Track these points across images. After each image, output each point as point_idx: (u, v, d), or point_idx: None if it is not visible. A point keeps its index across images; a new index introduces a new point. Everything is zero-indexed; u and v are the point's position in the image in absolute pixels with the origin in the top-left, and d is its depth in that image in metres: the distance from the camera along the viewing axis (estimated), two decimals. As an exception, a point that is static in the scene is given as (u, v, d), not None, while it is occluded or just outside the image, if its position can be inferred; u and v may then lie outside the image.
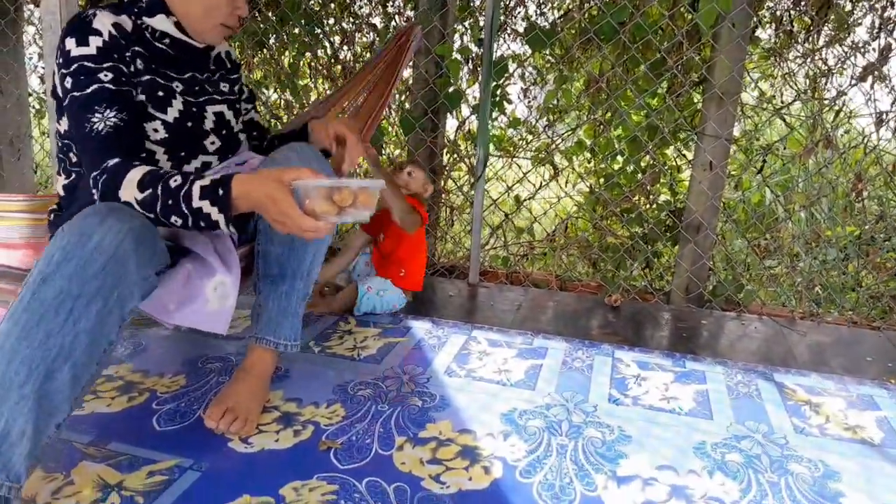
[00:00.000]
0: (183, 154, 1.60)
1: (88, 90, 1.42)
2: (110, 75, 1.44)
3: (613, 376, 2.04)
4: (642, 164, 3.18)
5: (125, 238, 1.27)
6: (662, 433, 1.74)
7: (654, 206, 3.29)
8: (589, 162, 3.50)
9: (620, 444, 1.68)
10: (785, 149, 3.10)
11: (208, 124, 1.65)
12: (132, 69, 1.49)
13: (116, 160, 1.39)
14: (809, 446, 1.71)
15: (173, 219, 1.35)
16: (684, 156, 3.20)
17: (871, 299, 3.04)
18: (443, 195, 3.41)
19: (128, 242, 1.27)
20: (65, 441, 1.57)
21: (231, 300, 1.57)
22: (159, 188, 1.34)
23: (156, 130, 1.54)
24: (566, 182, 3.44)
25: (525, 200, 3.37)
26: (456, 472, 1.52)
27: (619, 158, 3.25)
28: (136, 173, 1.37)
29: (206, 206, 1.33)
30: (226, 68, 1.76)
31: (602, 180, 3.30)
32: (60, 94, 1.47)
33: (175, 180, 1.34)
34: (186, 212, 1.34)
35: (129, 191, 1.35)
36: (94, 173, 1.40)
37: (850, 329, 2.61)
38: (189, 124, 1.60)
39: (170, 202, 1.33)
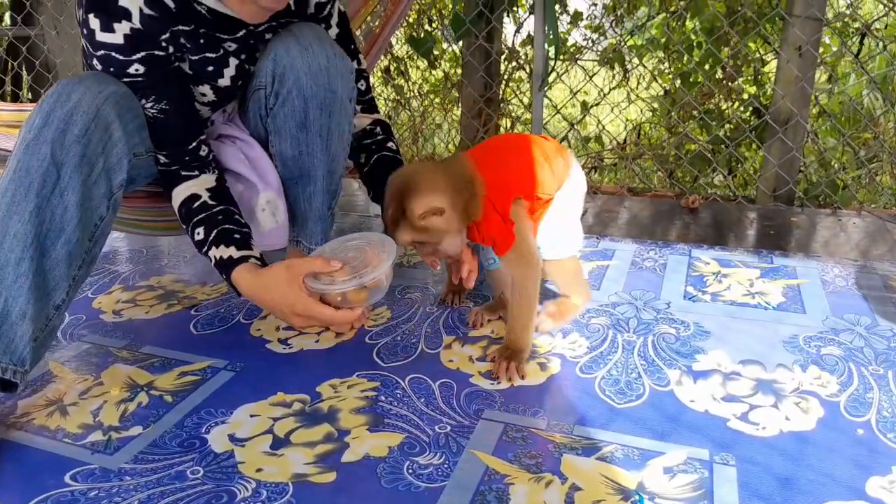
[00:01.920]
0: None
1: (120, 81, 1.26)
2: (142, 69, 1.26)
3: (689, 274, 1.83)
4: (723, 56, 2.87)
5: (105, 101, 1.18)
6: (747, 328, 1.53)
7: (737, 103, 2.98)
8: (662, 62, 3.20)
9: (697, 340, 1.48)
10: (886, 27, 2.72)
11: None
12: (171, 51, 1.30)
13: (166, 158, 1.36)
14: (923, 338, 1.47)
15: None
16: (769, 44, 2.87)
17: None
18: (501, 104, 3.19)
19: (109, 106, 1.18)
20: (98, 346, 1.51)
21: (282, 214, 1.48)
22: (189, 231, 1.38)
23: (204, 94, 1.42)
24: (637, 84, 3.16)
25: (592, 106, 3.12)
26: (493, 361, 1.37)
27: (696, 53, 2.94)
28: (178, 195, 1.38)
29: (219, 271, 1.35)
30: (295, 13, 1.44)
31: (677, 80, 3.01)
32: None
33: (198, 233, 1.36)
34: (209, 260, 1.37)
35: (175, 205, 1.39)
36: (154, 151, 1.36)
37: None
38: (240, 83, 1.45)
39: (196, 248, 1.38)
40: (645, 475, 1.07)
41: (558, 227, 1.44)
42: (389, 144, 1.60)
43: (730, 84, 2.91)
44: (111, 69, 1.25)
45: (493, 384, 1.33)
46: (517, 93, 3.28)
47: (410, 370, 1.37)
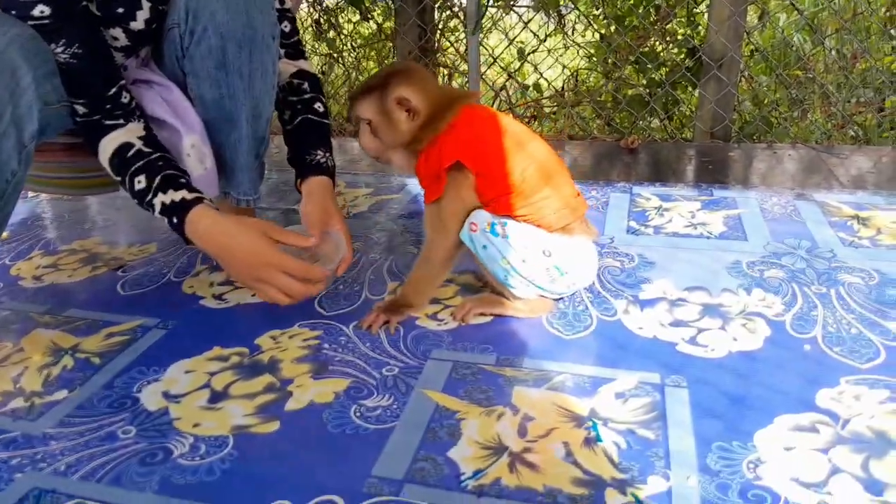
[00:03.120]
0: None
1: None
2: (47, 10, 1.12)
3: (631, 210, 1.82)
4: (656, 0, 2.85)
5: (10, 44, 1.06)
6: (691, 257, 1.53)
7: (672, 45, 2.97)
8: (596, 6, 3.16)
9: (642, 271, 1.47)
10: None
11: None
12: None
13: (85, 108, 1.22)
14: (860, 257, 1.49)
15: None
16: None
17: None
18: (437, 55, 3.11)
19: (13, 50, 1.06)
20: (17, 312, 1.40)
21: (209, 160, 1.37)
22: (126, 182, 1.24)
23: (116, 39, 1.29)
24: (573, 31, 3.12)
25: (529, 54, 3.07)
26: (452, 308, 1.33)
27: (630, -4, 2.92)
28: (107, 146, 1.24)
29: (164, 221, 1.22)
30: None
31: (613, 25, 2.98)
32: None
33: (139, 182, 1.22)
34: (148, 210, 1.24)
35: (103, 160, 1.26)
36: (68, 100, 1.21)
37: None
38: (155, 25, 1.33)
39: (134, 199, 1.25)
40: (596, 401, 1.05)
41: (536, 263, 1.25)
42: (317, 105, 1.48)
43: (664, 26, 2.89)
44: (12, 12, 1.12)
45: (439, 325, 1.29)
46: (452, 42, 3.20)
47: (354, 318, 1.31)
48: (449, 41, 3.19)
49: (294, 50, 1.49)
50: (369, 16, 3.34)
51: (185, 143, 1.32)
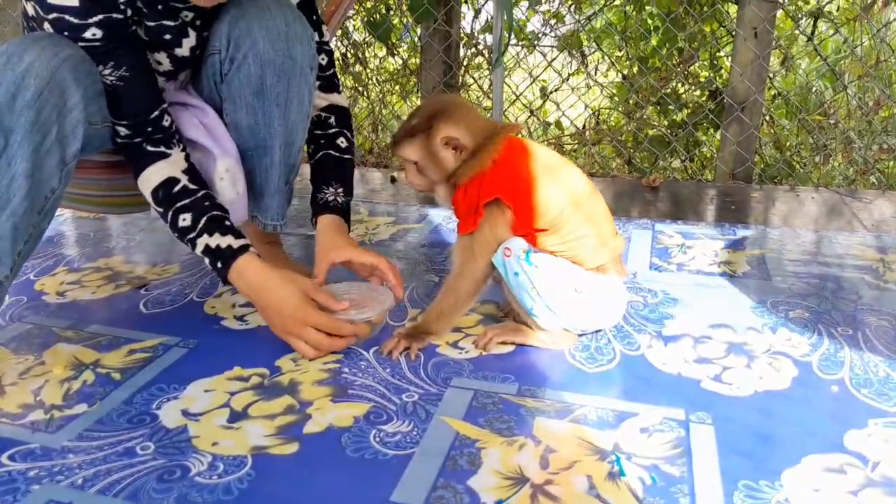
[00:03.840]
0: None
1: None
2: (99, 33, 1.15)
3: (654, 247, 1.81)
4: (679, 43, 2.88)
5: (62, 64, 1.08)
6: (714, 295, 1.51)
7: (694, 87, 3.00)
8: (620, 49, 3.20)
9: (666, 307, 1.46)
10: (838, 10, 2.76)
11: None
12: (129, 14, 1.19)
13: (127, 130, 1.25)
14: (887, 300, 1.47)
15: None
16: (724, 27, 2.89)
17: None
18: (460, 90, 3.15)
19: (65, 70, 1.09)
20: (40, 326, 1.41)
21: (241, 184, 1.40)
22: (168, 216, 1.28)
23: (160, 63, 1.32)
24: (595, 70, 3.16)
25: (551, 92, 3.10)
26: (474, 337, 1.33)
27: (654, 38, 2.95)
28: (151, 177, 1.27)
29: (205, 259, 1.27)
30: None
31: (635, 65, 3.01)
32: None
33: (184, 220, 1.26)
34: (189, 246, 1.29)
35: (145, 187, 1.29)
36: (111, 121, 1.25)
37: (922, 197, 2.33)
38: (198, 52, 1.36)
39: (174, 233, 1.29)
40: (620, 435, 1.04)
41: (566, 297, 1.24)
42: (339, 141, 1.49)
43: (687, 68, 2.92)
44: (65, 34, 1.14)
45: (460, 353, 1.28)
46: (476, 79, 3.24)
47: (374, 342, 1.31)
48: (473, 77, 3.23)
49: (328, 83, 1.51)
50: (395, 52, 3.40)
51: (219, 167, 1.34)
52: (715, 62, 2.95)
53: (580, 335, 1.32)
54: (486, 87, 3.21)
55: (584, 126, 3.23)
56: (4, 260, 1.07)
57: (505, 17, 2.20)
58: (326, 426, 1.07)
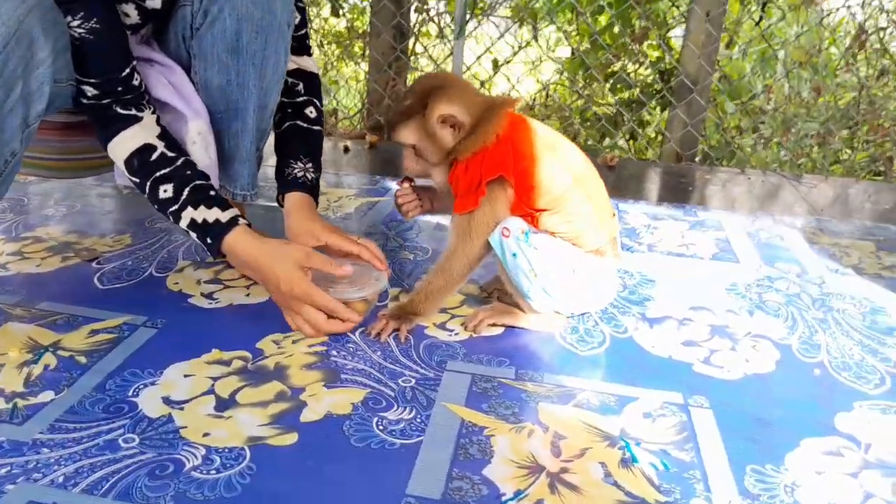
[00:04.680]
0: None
1: None
2: None
3: (622, 227, 1.82)
4: (633, 21, 2.89)
5: (30, 12, 0.96)
6: (688, 276, 1.54)
7: (644, 67, 3.03)
8: (570, 23, 3.19)
9: (644, 288, 1.47)
10: (783, -2, 2.84)
11: None
12: None
13: (96, 89, 1.13)
14: (849, 285, 1.53)
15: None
16: (677, 7, 2.92)
17: (861, 168, 2.87)
18: (411, 59, 3.07)
19: (33, 18, 0.97)
20: (-17, 302, 1.28)
21: (213, 149, 1.30)
22: (146, 187, 1.19)
23: (127, 15, 1.19)
24: (547, 45, 3.14)
25: (502, 65, 3.06)
26: (463, 318, 1.29)
27: (605, 16, 2.95)
28: (124, 144, 1.17)
29: (191, 234, 1.19)
30: None
31: (586, 41, 3.01)
32: None
33: (165, 191, 1.18)
34: (171, 219, 1.20)
35: (117, 155, 1.19)
36: (77, 77, 1.12)
37: (861, 183, 2.44)
38: (170, 3, 1.24)
39: (155, 206, 1.20)
40: (625, 421, 1.03)
41: (560, 279, 1.22)
42: (308, 111, 1.41)
43: (638, 46, 2.94)
44: None
45: (450, 335, 1.25)
46: (426, 48, 3.16)
47: (360, 324, 1.25)
48: (423, 46, 3.14)
49: (299, 45, 1.41)
50: (340, 10, 3.26)
51: (190, 130, 1.24)
52: (664, 43, 2.99)
53: (568, 317, 1.31)
54: (437, 55, 3.14)
55: (533, 100, 3.21)
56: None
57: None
58: (324, 414, 1.01)
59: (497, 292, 1.38)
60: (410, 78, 3.23)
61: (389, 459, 0.93)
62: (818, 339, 1.29)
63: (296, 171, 1.36)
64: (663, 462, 0.95)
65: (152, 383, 1.06)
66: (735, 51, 3.06)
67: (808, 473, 0.94)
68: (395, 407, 1.04)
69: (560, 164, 1.21)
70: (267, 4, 1.22)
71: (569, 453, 0.96)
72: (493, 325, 1.27)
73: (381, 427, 0.99)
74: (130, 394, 1.03)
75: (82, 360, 1.11)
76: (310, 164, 1.37)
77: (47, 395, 1.02)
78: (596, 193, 1.25)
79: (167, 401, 1.02)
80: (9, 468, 0.87)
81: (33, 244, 1.54)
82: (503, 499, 0.87)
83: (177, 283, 1.39)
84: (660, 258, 1.63)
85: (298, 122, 1.40)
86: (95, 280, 1.39)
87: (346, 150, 2.53)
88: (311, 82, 1.44)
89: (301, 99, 1.42)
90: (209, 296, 1.35)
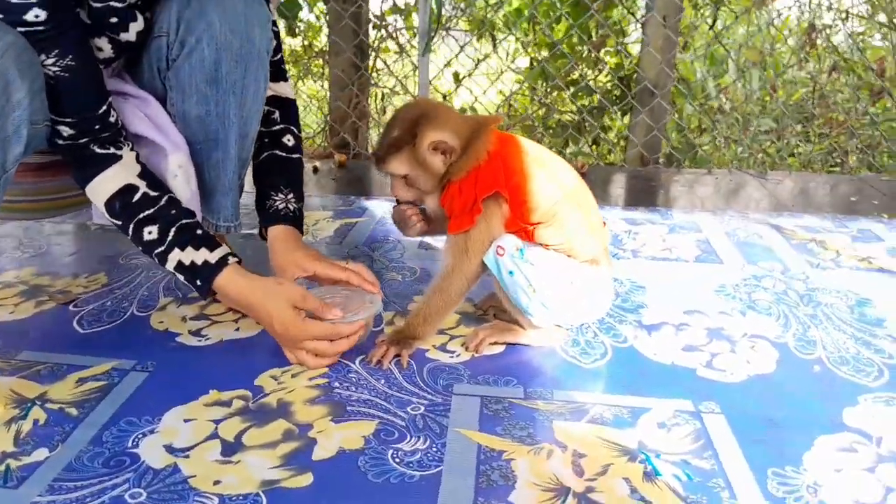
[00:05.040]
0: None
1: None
2: (43, 14, 0.97)
3: (604, 233, 1.83)
4: (591, 29, 2.93)
5: (5, 53, 0.92)
6: (676, 280, 1.55)
7: (604, 73, 3.07)
8: (527, 34, 3.21)
9: (636, 294, 1.47)
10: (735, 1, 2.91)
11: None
12: None
13: (72, 129, 1.08)
14: (832, 279, 1.56)
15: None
16: (633, 14, 2.97)
17: (816, 162, 2.96)
18: (371, 77, 3.05)
19: (9, 60, 0.92)
20: (-42, 356, 1.21)
21: (194, 181, 1.26)
22: (130, 230, 1.14)
23: (100, 49, 1.15)
24: (507, 55, 3.15)
25: (463, 78, 3.06)
26: (462, 339, 1.27)
27: (563, 25, 2.98)
28: (104, 185, 1.13)
29: (178, 276, 1.15)
30: None
31: (544, 49, 3.04)
32: None
33: (150, 233, 1.13)
34: (157, 261, 1.16)
35: (97, 197, 1.15)
36: (52, 118, 1.06)
37: (822, 176, 2.51)
38: (144, 36, 1.20)
39: (139, 247, 1.16)
40: (641, 433, 1.02)
41: (555, 291, 1.20)
42: (286, 139, 1.37)
43: (595, 55, 2.97)
44: (5, 15, 0.96)
45: (452, 357, 1.23)
46: (387, 64, 3.14)
47: (359, 351, 1.22)
48: (384, 62, 3.13)
49: (275, 69, 1.37)
50: (296, 30, 3.22)
51: (170, 164, 1.19)
52: (621, 49, 3.03)
53: (567, 329, 1.30)
54: (398, 71, 3.12)
55: (497, 111, 3.22)
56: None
57: (434, 3, 2.13)
58: (336, 451, 0.98)
59: (493, 309, 1.37)
60: (372, 95, 3.21)
61: (411, 493, 0.90)
62: (812, 334, 1.31)
63: (277, 202, 1.32)
64: (686, 472, 0.94)
65: (151, 431, 1.02)
66: (689, 53, 3.13)
67: (827, 472, 0.95)
68: (409, 437, 1.01)
69: (550, 177, 1.20)
70: (246, 33, 1.18)
71: (591, 471, 0.94)
72: (495, 343, 1.25)
73: (396, 460, 0.96)
74: (130, 445, 0.98)
75: (73, 412, 1.06)
76: (291, 196, 1.34)
77: (41, 454, 0.96)
78: (586, 204, 1.25)
79: (170, 449, 0.98)
80: (10, 537, 0.82)
81: (3, 290, 1.47)
82: (533, 525, 0.85)
83: (161, 322, 1.34)
84: (646, 263, 1.64)
85: (276, 152, 1.37)
86: (75, 324, 1.33)
87: (316, 170, 2.50)
88: (288, 108, 1.41)
89: (277, 127, 1.38)
90: (197, 333, 1.30)
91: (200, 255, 1.12)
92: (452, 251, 1.20)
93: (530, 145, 1.24)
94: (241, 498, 0.89)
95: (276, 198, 1.33)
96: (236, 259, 1.15)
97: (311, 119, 3.39)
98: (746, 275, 1.57)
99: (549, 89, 3.17)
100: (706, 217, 1.98)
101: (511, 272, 1.17)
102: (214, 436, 1.01)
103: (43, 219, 1.62)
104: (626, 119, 3.06)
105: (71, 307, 1.40)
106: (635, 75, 2.83)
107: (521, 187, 1.17)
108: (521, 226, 1.18)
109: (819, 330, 1.33)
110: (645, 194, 2.25)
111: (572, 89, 3.05)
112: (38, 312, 1.38)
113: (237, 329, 1.32)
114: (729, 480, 0.93)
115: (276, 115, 1.39)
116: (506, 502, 0.89)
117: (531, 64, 3.23)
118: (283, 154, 1.37)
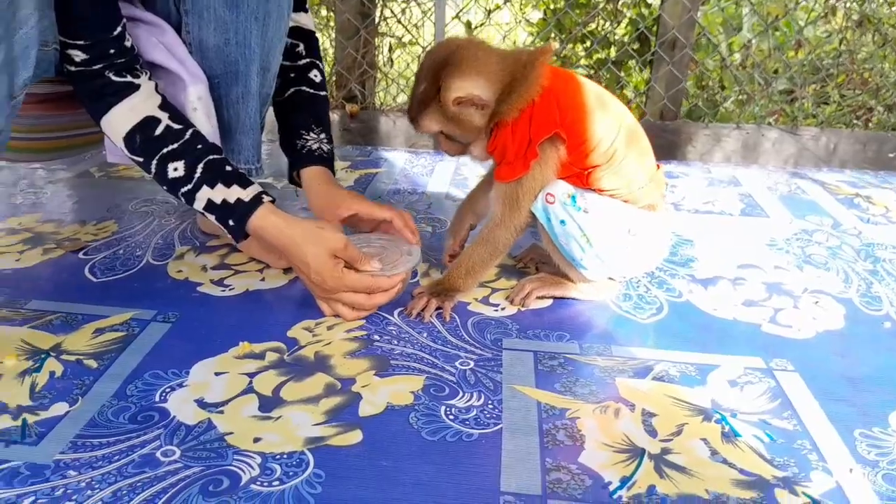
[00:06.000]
0: None
1: None
2: None
3: (640, 186, 1.74)
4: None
5: None
6: (724, 233, 1.46)
7: (621, 26, 2.94)
8: (542, -18, 3.07)
9: (685, 248, 1.39)
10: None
11: None
12: None
13: (85, 53, 0.97)
14: (886, 234, 1.47)
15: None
16: (655, -38, 2.83)
17: (837, 120, 2.86)
18: (381, 24, 2.91)
19: None
20: (-39, 304, 1.11)
21: (214, 115, 1.15)
22: (152, 166, 1.04)
23: None
24: (520, 6, 3.02)
25: (476, 27, 2.93)
26: (504, 292, 1.19)
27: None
28: (122, 118, 1.01)
29: (209, 216, 1.05)
30: None
31: (561, 2, 2.90)
32: None
33: (175, 169, 1.03)
34: (183, 201, 1.06)
35: (114, 131, 1.03)
36: (62, 40, 0.95)
37: (856, 132, 2.41)
38: None
39: (164, 186, 1.06)
40: (712, 391, 0.94)
41: (613, 242, 1.11)
42: (313, 74, 1.28)
43: (614, 6, 2.85)
44: None
45: (496, 310, 1.14)
46: (394, 12, 3.00)
47: (396, 304, 1.13)
48: (391, 10, 2.98)
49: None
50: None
51: (190, 95, 1.09)
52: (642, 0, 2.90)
53: (619, 282, 1.22)
54: (406, 19, 2.98)
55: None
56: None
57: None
58: (384, 406, 0.90)
59: (534, 262, 1.28)
60: (378, 43, 3.08)
61: (471, 453, 0.82)
62: (876, 290, 1.23)
63: (310, 142, 1.23)
64: (767, 434, 0.86)
65: (180, 385, 0.93)
66: (711, 6, 3.01)
67: (917, 434, 0.87)
68: (461, 393, 0.93)
69: (608, 115, 1.10)
70: None
71: (665, 431, 0.86)
72: (542, 297, 1.17)
73: (451, 416, 0.88)
74: (157, 399, 0.90)
75: (92, 363, 0.97)
76: (323, 135, 1.25)
77: (60, 408, 0.88)
78: (644, 145, 1.15)
79: (202, 404, 0.89)
80: (33, 498, 0.73)
81: (7, 236, 1.37)
82: (611, 489, 0.77)
83: (180, 271, 1.25)
84: (690, 217, 1.55)
85: (304, 88, 1.27)
86: (87, 272, 1.23)
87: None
88: (311, 42, 1.31)
89: (303, 62, 1.28)
90: (220, 283, 1.21)
91: (233, 193, 1.02)
92: (503, 200, 1.09)
93: (584, 80, 1.13)
94: (285, 457, 0.80)
95: (308, 137, 1.23)
96: (270, 198, 1.05)
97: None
98: (796, 229, 1.49)
99: (564, 42, 3.04)
100: (744, 171, 1.89)
101: (563, 221, 1.08)
102: (250, 390, 0.92)
103: (47, 160, 1.51)
104: (646, 74, 2.95)
105: (80, 255, 1.30)
106: (655, 28, 2.71)
107: (579, 126, 1.06)
108: (576, 170, 1.09)
109: (883, 286, 1.25)
110: (672, 149, 2.15)
111: (588, 42, 2.93)
112: (46, 260, 1.28)
113: (262, 279, 1.22)
114: (815, 442, 0.85)
115: (301, 48, 1.28)
116: (576, 463, 0.81)
117: (545, 15, 3.10)
118: (311, 91, 1.27)
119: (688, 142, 2.23)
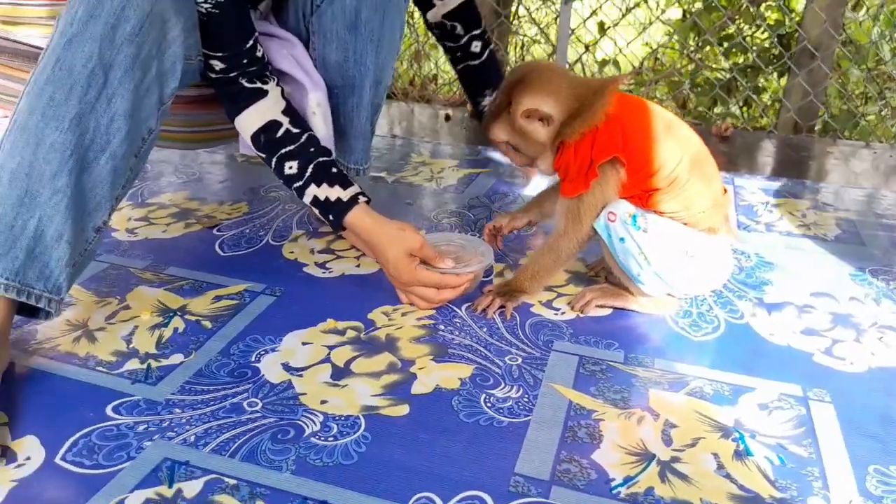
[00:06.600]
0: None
1: None
2: None
3: (738, 203, 1.75)
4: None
5: None
6: (809, 259, 1.46)
7: (760, 31, 2.85)
8: (682, -16, 3.03)
9: (762, 271, 1.41)
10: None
11: None
12: None
13: (223, 63, 1.17)
14: None
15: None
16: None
17: None
18: (514, 22, 3.01)
19: (165, 0, 1.00)
20: (116, 266, 1.37)
21: (331, 119, 1.34)
22: (273, 163, 1.22)
23: None
24: (657, 6, 3.00)
25: (608, 28, 2.96)
26: (569, 297, 1.29)
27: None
28: (251, 120, 1.21)
29: (314, 209, 1.24)
30: None
31: (699, 2, 2.86)
32: None
33: (290, 167, 1.21)
34: (295, 194, 1.25)
35: (244, 130, 1.23)
36: (204, 52, 1.16)
37: None
38: None
39: (280, 180, 1.25)
40: (740, 412, 1.00)
41: (673, 261, 1.18)
42: (474, 47, 1.51)
43: (755, 9, 2.77)
44: None
45: (556, 314, 1.24)
46: (529, 11, 3.09)
47: (466, 298, 1.27)
48: (526, 9, 3.08)
49: None
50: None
51: (311, 101, 1.28)
52: (785, 5, 2.80)
53: (680, 299, 1.28)
54: (541, 20, 3.07)
55: (641, 65, 3.10)
56: (104, 205, 1.02)
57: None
58: (433, 387, 1.04)
59: (604, 272, 1.36)
60: (512, 43, 3.18)
61: (498, 437, 0.94)
62: (955, 333, 1.21)
63: (483, 102, 1.54)
64: (780, 457, 0.92)
65: (273, 350, 1.12)
66: (862, 13, 2.84)
67: (940, 479, 0.89)
68: (503, 385, 1.05)
69: (672, 141, 1.16)
70: None
71: (680, 442, 0.94)
72: (602, 306, 1.25)
73: (488, 404, 1.00)
74: (253, 359, 1.09)
75: (208, 324, 1.18)
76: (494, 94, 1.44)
77: (177, 358, 1.09)
78: (710, 171, 1.20)
79: (287, 367, 1.08)
80: (146, 426, 0.94)
81: (158, 210, 1.64)
82: (612, 484, 0.87)
83: (292, 252, 1.45)
84: (778, 238, 1.56)
85: (469, 63, 1.54)
86: (216, 247, 1.47)
87: (448, 118, 2.54)
88: (468, 17, 1.50)
89: (463, 40, 1.51)
90: (322, 265, 1.40)
91: (334, 192, 1.20)
92: (566, 214, 1.20)
93: (654, 108, 1.20)
94: (342, 418, 0.97)
95: (485, 102, 1.52)
96: (366, 199, 1.22)
97: (449, 66, 3.41)
98: (889, 261, 1.46)
99: (700, 44, 3.00)
100: (857, 194, 1.83)
101: (622, 239, 1.16)
102: (327, 360, 1.10)
103: (195, 149, 1.78)
104: (783, 81, 2.85)
105: (214, 231, 1.54)
106: (797, 34, 2.62)
107: (641, 151, 1.14)
108: (638, 191, 1.16)
109: (964, 328, 1.22)
110: (794, 165, 2.11)
111: (725, 45, 2.87)
112: (186, 233, 1.53)
113: (358, 266, 1.40)
114: (825, 471, 0.90)
115: (458, 28, 1.50)
116: (588, 459, 0.91)
117: (683, 16, 3.06)
118: (475, 62, 1.53)
119: (809, 159, 2.17)
